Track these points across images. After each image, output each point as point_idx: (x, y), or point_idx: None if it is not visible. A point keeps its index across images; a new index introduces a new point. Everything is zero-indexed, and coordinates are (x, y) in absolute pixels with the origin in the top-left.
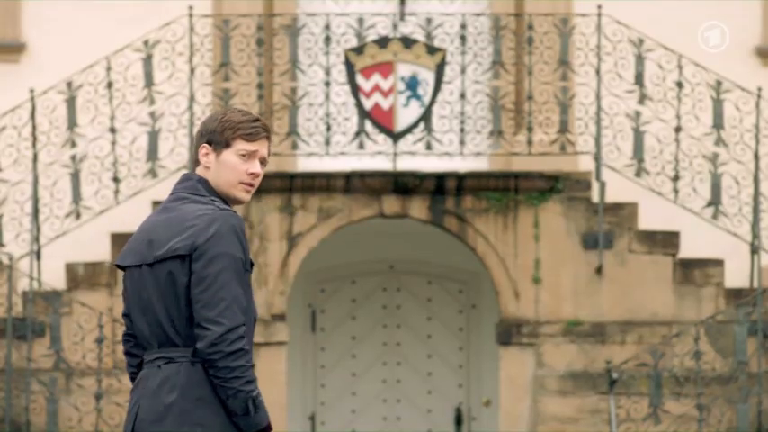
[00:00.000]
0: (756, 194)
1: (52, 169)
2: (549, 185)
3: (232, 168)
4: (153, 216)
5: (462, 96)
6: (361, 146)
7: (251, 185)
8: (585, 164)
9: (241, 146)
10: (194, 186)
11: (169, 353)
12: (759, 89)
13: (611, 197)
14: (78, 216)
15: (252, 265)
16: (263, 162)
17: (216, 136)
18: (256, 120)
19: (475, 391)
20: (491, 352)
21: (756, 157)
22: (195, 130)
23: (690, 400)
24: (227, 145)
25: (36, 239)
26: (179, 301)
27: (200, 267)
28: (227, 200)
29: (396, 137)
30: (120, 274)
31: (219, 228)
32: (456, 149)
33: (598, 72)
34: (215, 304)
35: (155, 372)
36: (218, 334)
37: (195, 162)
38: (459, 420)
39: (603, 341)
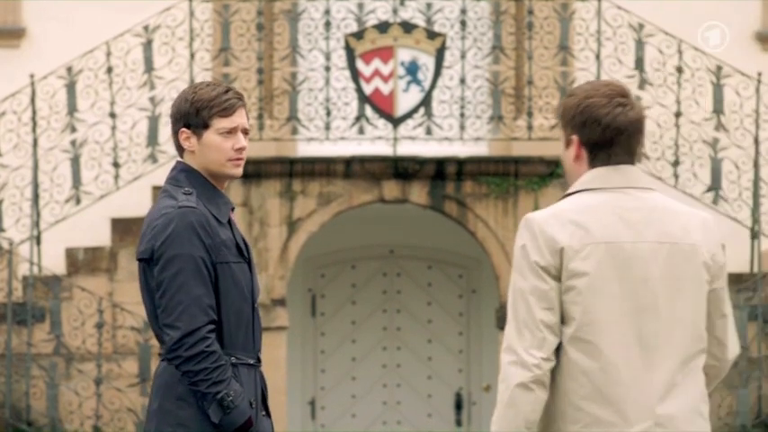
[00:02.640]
0: (756, 179)
1: (52, 154)
2: (550, 170)
3: (217, 149)
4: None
5: (462, 81)
6: (361, 131)
7: (240, 159)
8: None
9: (220, 124)
10: (176, 177)
11: (161, 348)
12: (759, 74)
13: None
14: (78, 201)
15: (243, 249)
16: (245, 132)
17: (192, 118)
18: (227, 91)
19: (475, 376)
20: (491, 337)
21: (756, 141)
22: None
23: None
24: (206, 126)
25: (36, 224)
26: (153, 300)
27: (158, 272)
28: (219, 178)
29: (396, 122)
30: (120, 259)
31: (175, 228)
32: (456, 134)
33: (598, 57)
34: (172, 309)
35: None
36: (175, 339)
37: (179, 148)
38: (459, 405)
39: None
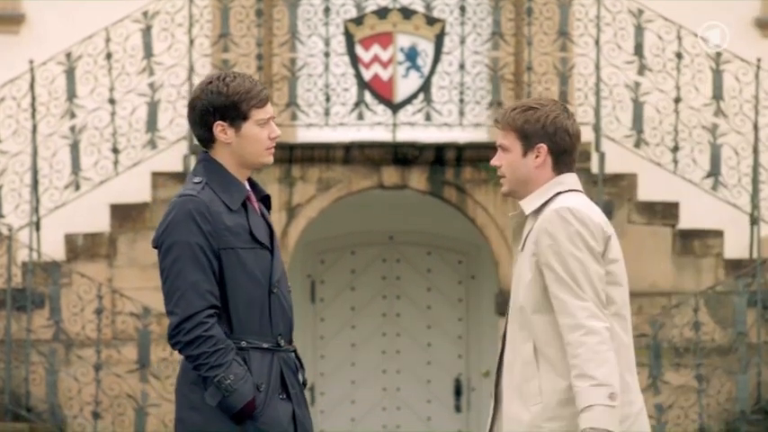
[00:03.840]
0: (756, 165)
1: (51, 140)
2: None
3: (255, 139)
4: None
5: (462, 67)
6: (360, 117)
7: (273, 147)
8: (585, 135)
9: (258, 115)
10: (195, 168)
11: None
12: (758, 60)
13: (610, 168)
14: (77, 187)
15: (262, 235)
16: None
17: (230, 111)
18: (256, 82)
19: (474, 362)
20: (490, 323)
21: (756, 127)
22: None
23: (689, 370)
24: (246, 118)
25: (35, 210)
26: None
27: (160, 260)
28: (249, 167)
29: (395, 108)
30: (120, 245)
31: (174, 216)
32: (455, 120)
33: (597, 43)
34: (171, 295)
35: None
36: (174, 325)
37: (208, 141)
38: (458, 391)
39: None
